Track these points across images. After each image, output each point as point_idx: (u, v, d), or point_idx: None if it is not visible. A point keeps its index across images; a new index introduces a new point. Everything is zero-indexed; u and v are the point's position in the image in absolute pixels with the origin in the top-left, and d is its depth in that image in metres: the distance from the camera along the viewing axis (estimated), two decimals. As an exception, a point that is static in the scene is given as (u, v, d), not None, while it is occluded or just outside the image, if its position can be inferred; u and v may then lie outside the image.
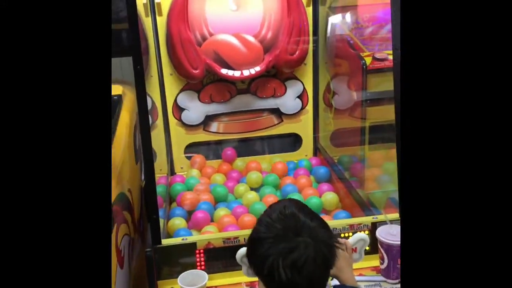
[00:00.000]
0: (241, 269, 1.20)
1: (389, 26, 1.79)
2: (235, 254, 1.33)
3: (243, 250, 1.30)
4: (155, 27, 1.90)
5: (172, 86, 1.99)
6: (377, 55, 1.81)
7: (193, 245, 1.41)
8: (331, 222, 1.49)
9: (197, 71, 1.92)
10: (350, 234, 1.45)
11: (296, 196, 1.79)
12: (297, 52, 1.98)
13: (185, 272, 1.35)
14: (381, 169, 1.83)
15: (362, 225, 1.46)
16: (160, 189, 1.84)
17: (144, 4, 1.80)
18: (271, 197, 1.78)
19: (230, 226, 1.62)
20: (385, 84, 1.61)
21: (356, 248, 1.29)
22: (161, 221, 1.52)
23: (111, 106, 1.66)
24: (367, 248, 1.43)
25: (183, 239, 1.43)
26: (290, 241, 0.86)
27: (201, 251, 1.41)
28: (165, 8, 1.87)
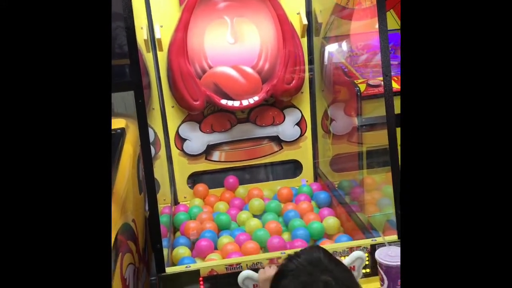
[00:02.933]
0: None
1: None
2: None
3: (244, 273, 1.33)
4: (156, 62, 1.98)
5: (174, 118, 2.06)
6: (371, 82, 1.87)
7: (196, 272, 1.44)
8: (331, 246, 1.53)
9: (197, 103, 1.99)
10: (350, 257, 1.47)
11: (298, 222, 1.82)
12: (293, 81, 2.04)
13: None
14: (380, 193, 1.86)
15: (361, 248, 1.48)
16: (164, 219, 1.88)
17: (145, 40, 1.87)
18: (274, 223, 1.81)
19: (234, 253, 1.65)
20: (379, 109, 1.67)
21: (354, 266, 1.32)
22: (165, 251, 1.55)
23: (115, 139, 1.72)
24: (368, 270, 1.47)
25: (186, 267, 1.46)
26: (311, 276, 0.91)
27: (205, 278, 1.43)
28: (165, 44, 1.94)
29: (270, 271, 1.17)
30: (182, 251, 1.71)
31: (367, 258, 1.48)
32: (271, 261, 1.45)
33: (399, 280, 1.33)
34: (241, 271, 1.43)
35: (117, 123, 1.86)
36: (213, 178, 2.19)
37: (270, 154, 2.17)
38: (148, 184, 1.40)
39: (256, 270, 1.43)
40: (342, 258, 1.47)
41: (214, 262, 1.50)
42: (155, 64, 1.98)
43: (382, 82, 1.71)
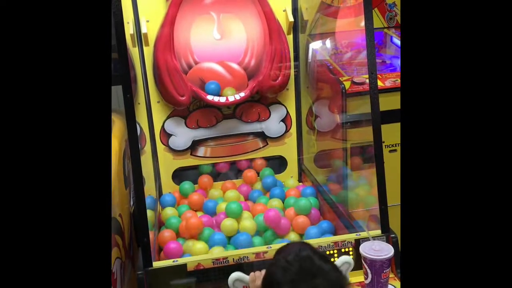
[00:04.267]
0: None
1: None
2: (224, 274, 1.38)
3: (234, 275, 1.34)
4: (142, 57, 1.97)
5: (159, 113, 2.05)
6: (356, 79, 1.90)
7: (183, 266, 1.44)
8: (317, 240, 1.55)
9: (183, 98, 1.99)
10: (335, 251, 1.50)
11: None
12: (279, 78, 2.06)
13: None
14: (363, 188, 1.89)
15: (346, 242, 1.51)
16: (149, 214, 1.88)
17: (131, 35, 1.86)
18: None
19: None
20: (364, 106, 1.69)
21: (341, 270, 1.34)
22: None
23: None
24: (352, 264, 1.49)
25: (173, 261, 1.46)
26: (308, 284, 0.89)
27: (192, 272, 1.44)
28: (152, 39, 1.94)
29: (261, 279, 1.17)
30: (168, 233, 1.74)
31: (351, 253, 1.51)
32: (257, 255, 1.47)
33: (383, 274, 1.37)
34: (227, 265, 1.45)
35: (102, 117, 1.84)
36: (197, 174, 2.20)
37: (255, 150, 2.19)
38: (135, 178, 1.39)
39: (242, 265, 1.45)
40: (328, 252, 1.50)
41: (201, 256, 1.51)
42: (141, 59, 1.97)
43: (367, 80, 1.75)
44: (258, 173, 2.16)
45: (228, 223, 1.76)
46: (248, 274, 1.29)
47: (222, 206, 1.87)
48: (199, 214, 1.93)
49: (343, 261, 1.35)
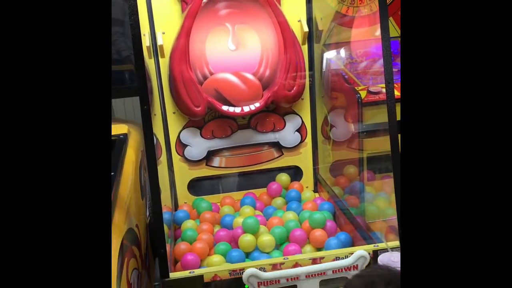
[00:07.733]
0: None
1: (382, 61, 1.88)
2: (241, 285, 1.37)
3: (249, 271, 1.34)
4: (158, 68, 1.99)
5: (175, 124, 2.06)
6: (371, 89, 1.89)
7: (200, 277, 1.44)
8: (334, 252, 1.54)
9: (199, 109, 2.00)
10: (353, 262, 1.49)
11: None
12: (294, 88, 2.05)
13: None
14: (380, 198, 1.88)
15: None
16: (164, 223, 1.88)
17: (147, 47, 1.88)
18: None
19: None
20: (380, 116, 1.68)
21: (357, 265, 1.33)
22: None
23: (118, 145, 1.73)
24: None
25: (190, 272, 1.46)
26: None
27: (209, 283, 1.44)
28: (167, 50, 1.95)
29: None
30: (184, 246, 1.72)
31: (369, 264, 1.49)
32: (274, 266, 1.46)
33: (402, 285, 1.34)
34: (244, 277, 1.44)
35: (119, 128, 1.86)
36: (213, 184, 2.20)
37: (270, 160, 2.19)
38: (152, 189, 1.40)
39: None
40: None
41: (217, 267, 1.51)
42: (157, 70, 1.99)
43: (383, 89, 1.74)
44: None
45: (246, 239, 1.74)
46: None
47: (239, 220, 1.87)
48: (216, 228, 1.92)
49: (358, 255, 1.34)
